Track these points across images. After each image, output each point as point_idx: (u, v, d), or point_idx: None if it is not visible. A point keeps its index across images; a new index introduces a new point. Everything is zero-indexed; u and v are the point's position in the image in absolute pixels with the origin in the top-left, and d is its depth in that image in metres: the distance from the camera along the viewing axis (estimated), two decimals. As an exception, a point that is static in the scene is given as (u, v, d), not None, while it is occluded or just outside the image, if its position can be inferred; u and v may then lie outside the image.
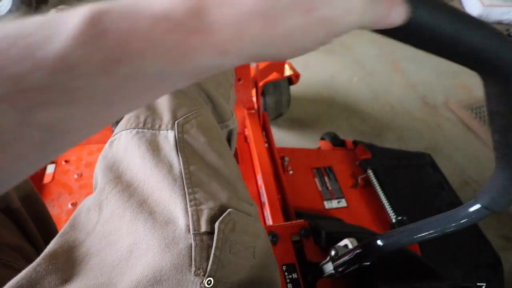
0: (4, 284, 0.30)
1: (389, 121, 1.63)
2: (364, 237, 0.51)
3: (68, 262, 0.30)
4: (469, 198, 0.30)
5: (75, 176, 0.90)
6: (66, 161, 0.92)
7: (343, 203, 0.98)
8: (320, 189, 1.01)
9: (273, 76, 1.26)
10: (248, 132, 1.04)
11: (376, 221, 0.94)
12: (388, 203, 0.94)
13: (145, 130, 0.38)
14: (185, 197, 0.31)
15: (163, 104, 0.41)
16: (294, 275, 0.55)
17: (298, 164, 1.05)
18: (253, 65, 1.06)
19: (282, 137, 1.48)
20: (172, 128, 0.38)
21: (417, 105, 1.74)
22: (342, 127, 1.57)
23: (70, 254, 0.30)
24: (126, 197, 0.32)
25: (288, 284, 0.52)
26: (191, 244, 0.28)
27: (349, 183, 1.05)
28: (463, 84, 1.87)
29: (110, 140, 0.40)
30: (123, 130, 0.38)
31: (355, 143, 1.16)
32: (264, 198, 0.84)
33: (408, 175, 1.06)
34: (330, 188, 1.01)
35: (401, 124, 1.62)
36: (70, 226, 0.33)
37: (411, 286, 0.51)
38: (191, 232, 0.29)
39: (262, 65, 1.14)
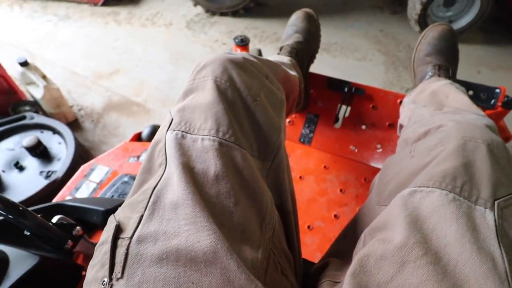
0: None
1: None
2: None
3: None
4: None
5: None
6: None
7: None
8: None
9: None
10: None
11: None
12: None
13: (461, 199, 0.34)
14: None
15: (483, 171, 0.37)
16: None
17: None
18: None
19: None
20: (492, 208, 0.34)
21: None
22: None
23: None
24: (439, 275, 0.30)
25: None
26: None
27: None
28: None
29: (411, 189, 0.37)
30: (436, 188, 0.36)
31: None
32: None
33: None
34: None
35: None
36: (360, 266, 0.33)
37: None
38: None
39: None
